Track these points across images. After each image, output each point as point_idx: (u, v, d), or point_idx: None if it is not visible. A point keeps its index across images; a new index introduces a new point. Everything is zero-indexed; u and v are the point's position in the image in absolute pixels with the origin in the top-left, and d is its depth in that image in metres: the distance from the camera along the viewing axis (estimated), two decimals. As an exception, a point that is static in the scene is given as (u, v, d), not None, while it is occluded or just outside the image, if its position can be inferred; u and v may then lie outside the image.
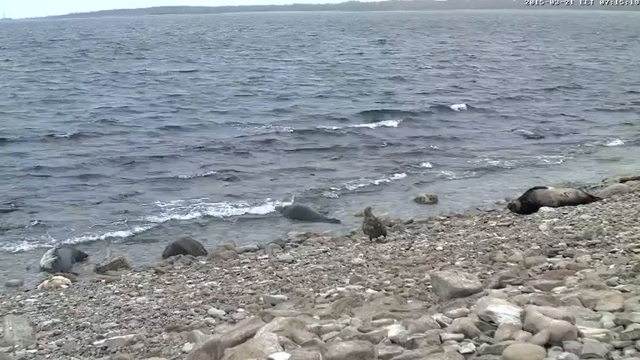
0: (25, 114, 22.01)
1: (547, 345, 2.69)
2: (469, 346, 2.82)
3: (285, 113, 22.32)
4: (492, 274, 5.51)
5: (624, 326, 2.87)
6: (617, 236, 6.26)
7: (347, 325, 3.72)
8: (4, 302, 7.13)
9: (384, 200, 12.34)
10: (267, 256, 8.38)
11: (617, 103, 24.59)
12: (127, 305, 6.43)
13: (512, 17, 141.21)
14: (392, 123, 20.65)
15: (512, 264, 5.88)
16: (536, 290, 4.09)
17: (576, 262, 5.30)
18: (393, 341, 3.05)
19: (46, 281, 7.95)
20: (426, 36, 73.43)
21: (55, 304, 6.82)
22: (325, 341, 3.24)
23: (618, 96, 26.51)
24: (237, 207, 11.97)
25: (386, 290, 5.62)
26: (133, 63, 40.95)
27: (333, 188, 13.27)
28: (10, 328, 5.51)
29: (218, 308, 5.93)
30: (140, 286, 7.41)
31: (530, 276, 5.10)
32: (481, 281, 4.73)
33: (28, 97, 25.69)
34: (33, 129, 19.12)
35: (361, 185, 13.52)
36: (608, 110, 23.25)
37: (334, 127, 19.77)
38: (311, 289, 6.16)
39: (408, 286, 5.62)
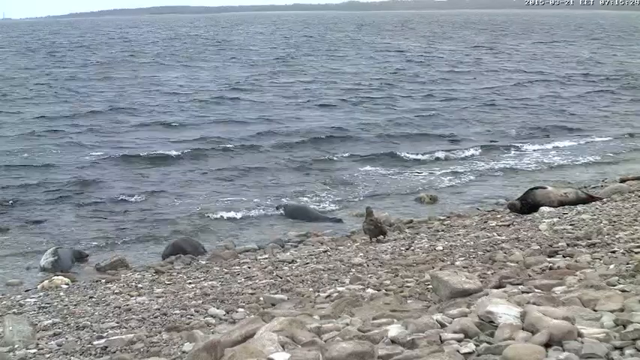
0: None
1: (547, 345, 2.69)
2: (469, 346, 2.82)
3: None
4: (492, 274, 5.51)
5: (624, 326, 2.87)
6: (617, 236, 6.25)
7: (347, 325, 3.71)
8: (4, 302, 7.13)
9: (384, 200, 12.34)
10: (267, 256, 8.38)
11: None
12: (127, 305, 6.43)
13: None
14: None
15: (512, 264, 5.87)
16: (536, 290, 4.08)
17: (576, 262, 5.30)
18: (393, 341, 3.05)
19: (46, 281, 7.95)
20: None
21: (55, 304, 6.82)
22: (325, 341, 3.24)
23: None
24: (237, 206, 11.95)
25: (386, 290, 5.61)
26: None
27: (332, 187, 13.26)
28: (10, 328, 5.51)
29: (218, 308, 5.92)
30: (140, 286, 7.41)
31: (530, 276, 5.10)
32: (481, 281, 4.72)
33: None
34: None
35: (361, 184, 13.51)
36: None
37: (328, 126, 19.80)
38: (311, 289, 6.16)
39: (408, 286, 5.61)
